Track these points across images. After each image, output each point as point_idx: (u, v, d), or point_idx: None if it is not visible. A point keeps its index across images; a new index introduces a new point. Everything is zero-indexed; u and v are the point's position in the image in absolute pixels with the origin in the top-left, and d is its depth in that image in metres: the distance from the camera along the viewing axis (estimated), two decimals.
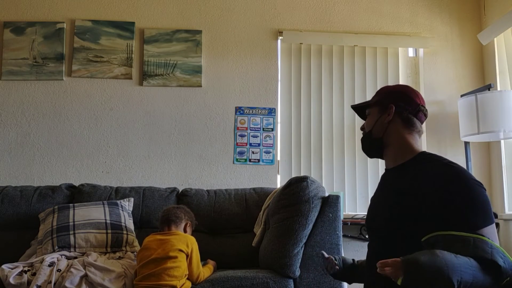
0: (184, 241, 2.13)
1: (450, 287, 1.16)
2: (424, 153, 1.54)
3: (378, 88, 1.73)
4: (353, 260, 1.73)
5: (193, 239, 2.19)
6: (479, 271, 1.21)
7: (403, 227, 1.40)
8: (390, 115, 1.56)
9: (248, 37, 3.43)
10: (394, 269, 1.19)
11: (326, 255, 1.71)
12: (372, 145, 1.62)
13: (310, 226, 2.28)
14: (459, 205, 1.32)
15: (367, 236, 3.18)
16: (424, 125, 3.39)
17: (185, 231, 2.30)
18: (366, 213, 3.29)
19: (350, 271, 1.69)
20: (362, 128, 1.67)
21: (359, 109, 1.72)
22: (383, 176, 1.66)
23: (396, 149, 1.56)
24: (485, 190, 1.38)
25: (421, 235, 1.34)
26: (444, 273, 1.16)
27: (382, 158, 1.64)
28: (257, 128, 3.34)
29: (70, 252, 2.35)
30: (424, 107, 1.57)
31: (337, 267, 1.66)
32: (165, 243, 2.11)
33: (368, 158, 3.36)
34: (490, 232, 1.30)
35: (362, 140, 1.67)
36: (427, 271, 1.16)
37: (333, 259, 1.68)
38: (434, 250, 1.22)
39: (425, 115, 1.58)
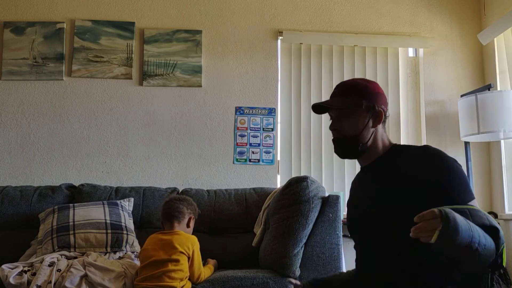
0: (185, 242, 2.12)
1: (473, 250, 1.14)
2: (396, 145, 1.56)
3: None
4: (335, 274, 1.73)
5: (195, 239, 2.18)
6: (483, 233, 1.20)
7: (400, 217, 1.37)
8: (381, 120, 1.52)
9: (248, 37, 3.43)
10: (433, 221, 1.12)
11: (293, 282, 1.70)
12: (355, 150, 1.53)
13: (310, 226, 2.28)
14: (445, 184, 1.35)
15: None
16: (424, 125, 3.43)
17: (188, 225, 2.28)
18: None
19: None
20: (335, 129, 1.56)
21: (321, 106, 1.58)
22: (359, 177, 1.64)
23: (376, 150, 1.54)
24: (462, 166, 1.43)
25: (413, 222, 1.34)
26: (471, 235, 1.14)
27: (356, 159, 1.60)
28: (257, 128, 3.34)
29: (70, 252, 2.35)
30: None
31: None
32: (166, 244, 2.10)
33: None
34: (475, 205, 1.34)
35: (341, 142, 1.55)
36: (462, 229, 1.12)
37: (301, 286, 1.68)
38: (476, 212, 1.23)
39: None
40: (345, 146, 1.55)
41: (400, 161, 1.47)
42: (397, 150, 1.54)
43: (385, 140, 1.56)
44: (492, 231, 1.23)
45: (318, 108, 1.60)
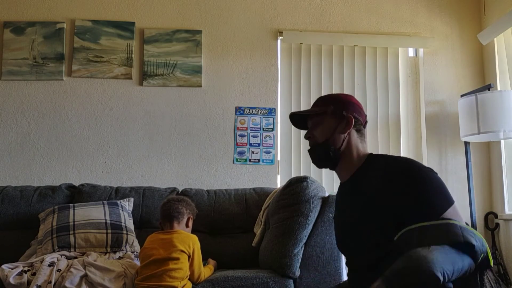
0: (186, 241, 2.13)
1: (437, 282, 1.14)
2: (371, 155, 1.57)
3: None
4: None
5: (195, 238, 2.19)
6: (457, 256, 1.22)
7: (373, 230, 1.41)
8: (350, 126, 1.55)
9: (248, 37, 3.43)
10: None
11: None
12: (327, 156, 1.56)
13: (310, 226, 2.28)
14: (419, 194, 1.35)
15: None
16: (424, 125, 3.43)
17: (187, 225, 2.29)
18: None
19: None
20: (309, 137, 1.61)
21: (297, 117, 1.66)
22: (339, 192, 1.65)
23: (350, 158, 1.56)
24: (437, 174, 1.42)
25: (392, 234, 1.35)
26: (426, 271, 1.14)
27: (333, 169, 1.61)
28: (257, 128, 3.34)
29: (70, 252, 2.35)
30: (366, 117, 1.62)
31: None
32: (167, 243, 2.10)
33: None
34: (454, 213, 1.34)
35: (314, 149, 1.60)
36: (410, 276, 1.15)
37: None
38: (407, 253, 1.21)
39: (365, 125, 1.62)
40: (317, 153, 1.59)
41: (373, 174, 1.48)
42: (371, 161, 1.54)
43: (360, 149, 1.57)
44: (468, 247, 1.24)
45: (294, 120, 1.68)
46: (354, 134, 1.56)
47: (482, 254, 1.26)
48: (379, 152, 2.95)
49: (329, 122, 1.57)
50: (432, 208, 1.33)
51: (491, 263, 1.31)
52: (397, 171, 1.41)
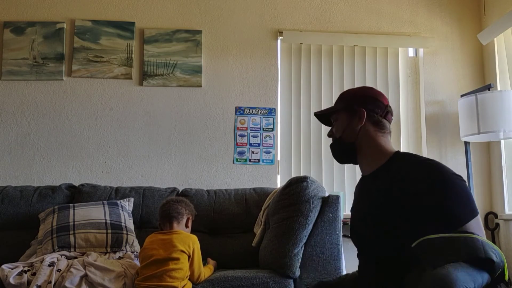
0: (186, 241, 2.13)
1: None
2: (398, 153, 1.54)
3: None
4: (340, 277, 1.73)
5: (195, 238, 2.19)
6: (477, 273, 1.20)
7: (390, 229, 1.39)
8: (362, 119, 1.54)
9: (248, 37, 3.43)
10: None
11: None
12: (343, 151, 1.60)
13: (310, 226, 2.28)
14: (443, 201, 1.32)
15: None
16: (424, 125, 3.43)
17: (186, 225, 2.29)
18: None
19: None
20: (330, 135, 1.65)
21: (322, 116, 1.69)
22: (360, 184, 1.64)
23: (371, 153, 1.55)
24: (465, 182, 1.38)
25: (411, 236, 1.32)
26: None
27: (355, 163, 1.62)
28: (257, 128, 3.34)
29: (70, 252, 2.35)
30: (391, 107, 1.59)
31: None
32: (167, 243, 2.10)
33: None
34: (476, 225, 1.31)
35: (332, 146, 1.64)
36: None
37: None
38: (430, 272, 1.19)
39: (392, 115, 1.60)
40: (334, 149, 1.64)
41: (401, 174, 1.44)
42: (398, 159, 1.51)
43: (382, 143, 1.55)
44: (488, 263, 1.22)
45: (319, 117, 1.73)
46: (370, 127, 1.55)
47: (500, 270, 1.24)
48: None
49: (343, 118, 1.59)
50: (454, 217, 1.29)
51: (506, 278, 1.28)
52: (424, 174, 1.38)
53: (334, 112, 1.62)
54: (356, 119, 1.55)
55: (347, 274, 1.75)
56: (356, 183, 1.68)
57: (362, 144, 1.55)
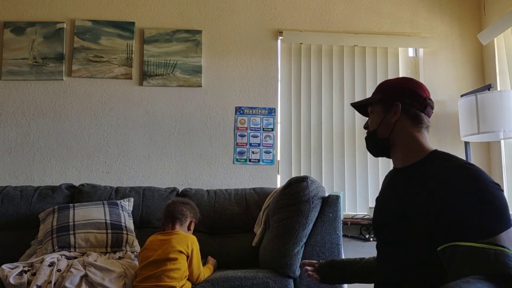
0: (184, 241, 2.13)
1: None
2: (436, 152, 1.46)
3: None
4: (355, 259, 1.71)
5: (194, 238, 2.19)
6: None
7: (416, 228, 1.34)
8: (397, 114, 1.48)
9: (248, 37, 3.43)
10: None
11: (307, 262, 1.73)
12: (377, 145, 1.54)
13: (310, 226, 2.29)
14: (476, 209, 1.24)
15: (367, 236, 3.18)
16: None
17: (189, 228, 2.29)
18: (365, 213, 3.29)
19: (340, 270, 1.68)
20: (366, 127, 1.60)
21: (360, 106, 1.64)
22: (391, 175, 1.59)
23: (405, 148, 1.49)
24: (503, 191, 1.30)
25: (435, 238, 1.28)
26: None
27: (388, 157, 1.57)
28: (257, 128, 3.34)
29: (70, 252, 2.35)
30: (431, 100, 1.51)
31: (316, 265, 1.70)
32: (165, 243, 2.10)
33: (368, 158, 3.37)
34: (508, 238, 1.23)
35: (366, 139, 1.59)
36: None
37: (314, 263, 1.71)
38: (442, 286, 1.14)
39: (432, 108, 1.51)
40: (367, 142, 1.59)
41: (436, 174, 1.37)
42: (436, 158, 1.43)
43: (419, 139, 1.48)
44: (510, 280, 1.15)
45: (357, 107, 1.66)
46: (406, 121, 1.48)
47: None
48: None
49: (378, 110, 1.54)
50: (484, 227, 1.22)
51: None
52: (461, 178, 1.30)
53: (370, 103, 1.57)
54: (391, 112, 1.49)
55: (362, 258, 1.70)
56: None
57: (396, 139, 1.50)
